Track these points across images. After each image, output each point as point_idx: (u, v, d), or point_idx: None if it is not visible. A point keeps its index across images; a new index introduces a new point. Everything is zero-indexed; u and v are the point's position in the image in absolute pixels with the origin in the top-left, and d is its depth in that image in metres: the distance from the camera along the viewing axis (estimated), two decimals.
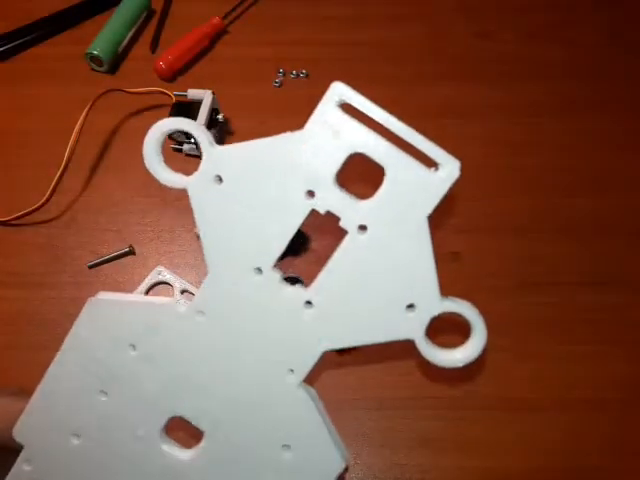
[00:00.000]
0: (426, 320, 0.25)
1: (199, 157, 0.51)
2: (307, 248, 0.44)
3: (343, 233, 0.25)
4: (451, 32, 0.56)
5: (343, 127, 0.24)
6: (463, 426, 0.40)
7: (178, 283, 0.42)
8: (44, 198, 0.44)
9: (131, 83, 0.49)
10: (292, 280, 0.39)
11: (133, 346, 0.27)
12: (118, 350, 0.27)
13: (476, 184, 0.46)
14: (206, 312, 0.26)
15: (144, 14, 0.56)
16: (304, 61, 0.53)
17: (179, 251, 0.44)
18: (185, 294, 0.42)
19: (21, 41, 0.54)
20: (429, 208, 0.24)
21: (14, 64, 0.53)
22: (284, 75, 0.53)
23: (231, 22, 0.56)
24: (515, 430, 0.39)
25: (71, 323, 0.40)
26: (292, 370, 0.27)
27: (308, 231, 0.44)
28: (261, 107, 0.51)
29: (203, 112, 0.45)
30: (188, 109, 0.47)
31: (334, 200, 0.24)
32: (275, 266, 0.26)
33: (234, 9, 0.56)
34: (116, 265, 0.43)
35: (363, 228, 0.25)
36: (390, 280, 0.25)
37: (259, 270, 0.26)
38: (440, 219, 0.45)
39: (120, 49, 0.53)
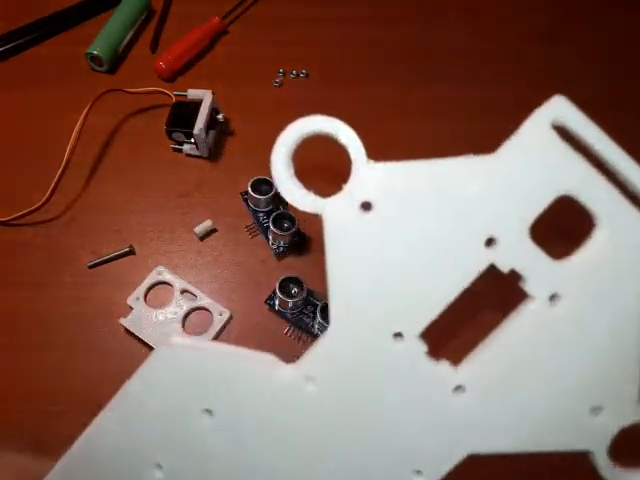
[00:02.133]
0: (614, 430, 0.19)
1: (200, 157, 0.51)
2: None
3: (515, 298, 0.19)
4: (451, 32, 0.56)
5: (558, 157, 0.17)
6: None
7: (178, 283, 0.42)
8: (44, 198, 0.44)
9: (131, 83, 0.49)
10: (291, 281, 0.40)
11: (210, 412, 0.20)
12: (189, 413, 0.20)
13: None
14: (318, 379, 0.19)
15: (144, 14, 0.56)
16: (304, 61, 0.53)
17: (179, 251, 0.44)
18: (185, 294, 0.42)
19: (21, 41, 0.54)
20: None
21: (14, 64, 0.53)
22: (284, 75, 0.53)
23: (231, 22, 0.56)
24: None
25: (71, 323, 0.41)
26: (420, 472, 0.20)
27: (307, 232, 0.44)
28: (261, 107, 0.51)
29: (203, 112, 0.45)
30: (188, 109, 0.47)
31: (524, 256, 0.18)
32: (421, 335, 0.19)
33: (234, 9, 0.56)
34: (116, 265, 0.43)
35: (554, 298, 0.19)
36: (578, 371, 0.19)
37: (399, 336, 0.19)
38: None
39: (120, 49, 0.53)
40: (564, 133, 0.17)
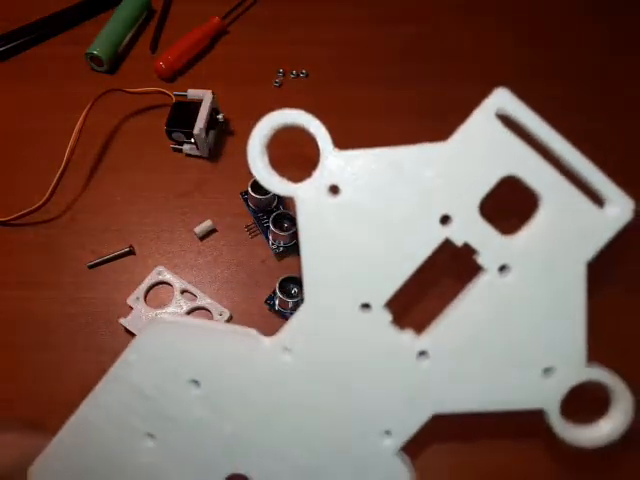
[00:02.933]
0: (565, 388, 0.21)
1: (200, 157, 0.51)
2: None
3: (471, 270, 0.21)
4: (451, 32, 0.56)
5: (502, 142, 0.19)
6: None
7: (178, 283, 0.42)
8: (44, 198, 0.44)
9: (131, 83, 0.49)
10: (291, 281, 0.40)
11: (196, 383, 0.22)
12: (177, 386, 0.22)
13: None
14: (294, 350, 0.21)
15: (144, 14, 0.56)
16: (304, 61, 0.53)
17: (179, 251, 0.44)
18: (185, 294, 0.42)
19: (21, 41, 0.54)
20: (590, 252, 0.20)
21: (14, 64, 0.53)
22: (284, 75, 0.53)
23: (231, 22, 0.56)
24: None
25: (71, 323, 0.41)
26: (389, 432, 0.22)
27: None
28: (261, 107, 0.50)
29: (203, 112, 0.45)
30: (188, 109, 0.47)
31: (475, 231, 0.20)
32: (386, 305, 0.21)
33: (234, 9, 0.56)
34: (116, 265, 0.43)
35: (505, 269, 0.20)
36: (529, 335, 0.21)
37: (367, 307, 0.21)
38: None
39: (120, 49, 0.53)
40: (509, 122, 0.19)
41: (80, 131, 0.45)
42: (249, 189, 0.43)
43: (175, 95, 0.48)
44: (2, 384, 0.39)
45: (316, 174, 0.20)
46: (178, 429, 0.22)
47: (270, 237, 0.43)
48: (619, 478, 0.36)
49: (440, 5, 0.57)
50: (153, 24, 0.56)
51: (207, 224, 0.44)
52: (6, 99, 0.51)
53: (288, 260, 0.44)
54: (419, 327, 0.21)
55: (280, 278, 0.39)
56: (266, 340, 0.22)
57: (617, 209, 0.19)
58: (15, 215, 0.43)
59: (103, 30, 0.52)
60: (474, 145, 0.20)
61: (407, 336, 0.21)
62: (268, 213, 0.43)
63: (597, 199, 0.20)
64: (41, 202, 0.44)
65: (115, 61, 0.53)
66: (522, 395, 0.21)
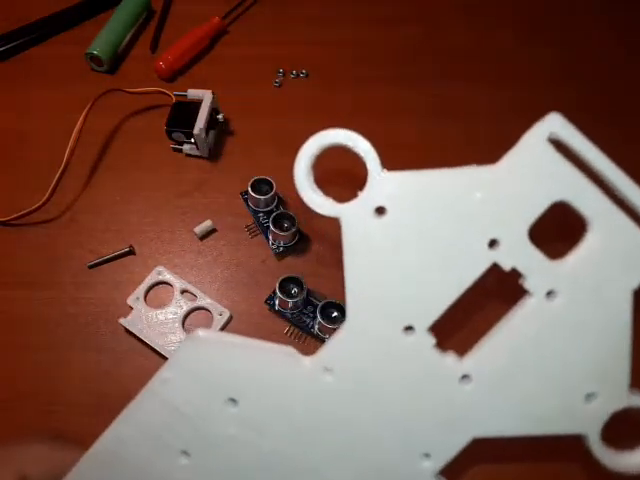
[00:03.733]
0: (606, 414, 0.21)
1: (200, 157, 0.51)
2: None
3: (516, 293, 0.20)
4: (451, 32, 0.56)
5: (553, 168, 0.19)
6: None
7: (178, 283, 0.42)
8: (44, 198, 0.44)
9: (131, 83, 0.49)
10: (292, 281, 0.40)
11: (234, 401, 0.21)
12: (213, 404, 0.21)
13: None
14: (335, 370, 0.21)
15: (144, 14, 0.56)
16: (304, 61, 0.53)
17: (179, 251, 0.44)
18: (185, 294, 0.42)
19: (21, 41, 0.54)
20: (638, 280, 0.20)
21: (14, 64, 0.53)
22: (284, 75, 0.53)
23: (231, 22, 0.56)
24: None
25: (71, 323, 0.41)
26: (428, 455, 0.21)
27: (307, 232, 0.44)
28: (261, 107, 0.51)
29: (203, 112, 0.45)
30: (188, 109, 0.47)
31: (523, 256, 0.20)
32: (430, 329, 0.21)
33: (234, 9, 0.56)
34: (116, 265, 0.43)
35: (551, 294, 0.20)
36: (573, 361, 0.21)
37: (410, 329, 0.21)
38: None
39: (120, 49, 0.53)
40: (559, 146, 0.19)
41: (80, 131, 0.45)
42: (249, 189, 0.43)
43: (175, 95, 0.48)
44: (2, 384, 0.39)
45: (363, 195, 0.20)
46: (214, 447, 0.22)
47: (270, 237, 0.43)
48: None
49: (441, 5, 0.57)
50: (153, 24, 0.56)
51: (207, 224, 0.44)
52: (6, 99, 0.51)
53: (288, 260, 0.44)
54: (462, 349, 0.21)
55: (280, 278, 0.39)
56: (306, 359, 0.21)
57: None
58: (15, 215, 0.43)
59: (103, 30, 0.52)
60: (525, 169, 0.19)
61: (450, 359, 0.21)
62: (268, 213, 0.43)
63: None
64: (41, 202, 0.44)
65: (115, 61, 0.53)
66: (563, 420, 0.21)
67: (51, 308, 0.41)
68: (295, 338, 0.41)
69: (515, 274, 0.20)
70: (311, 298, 0.40)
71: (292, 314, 0.40)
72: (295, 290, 0.40)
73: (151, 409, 0.22)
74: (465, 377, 0.21)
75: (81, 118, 0.44)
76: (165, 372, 0.21)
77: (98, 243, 0.44)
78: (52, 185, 0.44)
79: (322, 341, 0.40)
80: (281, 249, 0.43)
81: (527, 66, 0.53)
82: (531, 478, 0.36)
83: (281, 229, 0.42)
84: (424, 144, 0.48)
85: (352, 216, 0.20)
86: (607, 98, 0.51)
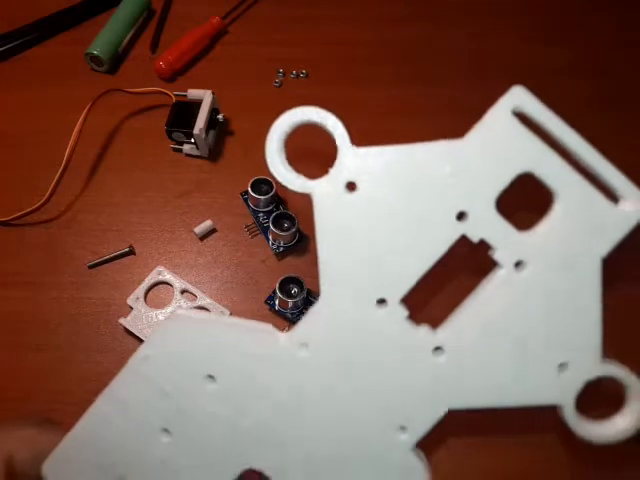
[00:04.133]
0: (580, 383, 0.21)
1: (199, 157, 0.51)
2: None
3: (486, 265, 0.21)
4: (451, 32, 0.56)
5: (518, 140, 0.20)
6: None
7: (178, 283, 0.42)
8: (44, 198, 0.44)
9: (131, 83, 0.49)
10: (292, 281, 0.40)
11: (212, 378, 0.22)
12: (193, 381, 0.22)
13: None
14: (310, 345, 0.21)
15: (144, 14, 0.56)
16: (304, 61, 0.53)
17: (179, 251, 0.44)
18: (185, 294, 0.42)
19: (21, 41, 0.54)
20: (605, 248, 0.20)
21: (14, 64, 0.53)
22: (284, 75, 0.53)
23: (231, 22, 0.56)
24: None
25: (71, 323, 0.41)
26: (404, 428, 0.22)
27: (307, 232, 0.44)
28: (261, 107, 0.51)
29: (203, 112, 0.45)
30: (188, 109, 0.47)
31: (491, 227, 0.20)
32: (402, 300, 0.21)
33: (234, 9, 0.56)
34: (116, 265, 0.43)
35: (520, 265, 0.21)
36: (544, 331, 0.21)
37: (383, 302, 0.21)
38: None
39: (120, 49, 0.53)
40: (524, 119, 0.20)
41: (80, 131, 0.45)
42: (249, 189, 0.43)
43: (175, 95, 0.48)
44: (2, 384, 0.39)
45: (333, 171, 0.20)
46: (194, 424, 0.22)
47: (270, 237, 0.43)
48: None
49: (441, 5, 0.57)
50: (153, 24, 0.56)
51: (207, 224, 0.44)
52: (6, 99, 0.51)
53: (288, 260, 0.44)
54: (434, 322, 0.22)
55: (280, 278, 0.39)
56: (282, 335, 0.21)
57: (632, 205, 0.20)
58: (15, 215, 0.43)
59: (103, 30, 0.52)
60: (491, 142, 0.20)
61: (423, 331, 0.21)
62: (268, 213, 0.43)
63: (612, 196, 0.20)
64: (41, 202, 0.44)
65: (115, 61, 0.53)
66: (537, 390, 0.21)
67: (51, 308, 0.41)
68: None
69: (485, 246, 0.21)
70: (311, 298, 0.40)
71: (292, 314, 0.40)
72: (295, 290, 0.40)
73: (132, 387, 0.22)
74: (438, 349, 0.21)
75: (81, 118, 0.44)
76: (145, 349, 0.22)
77: (98, 243, 0.44)
78: (52, 185, 0.44)
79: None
80: (281, 249, 0.43)
81: (527, 66, 0.53)
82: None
83: (281, 229, 0.42)
84: None
85: (323, 192, 0.21)
86: (607, 94, 0.51)
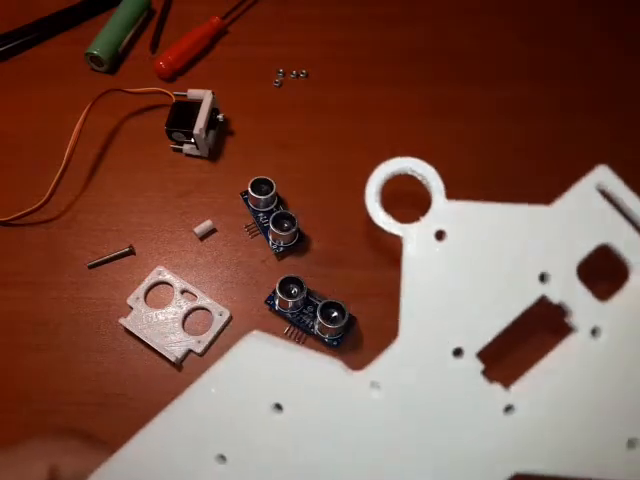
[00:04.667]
0: None
1: (199, 157, 0.51)
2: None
3: (562, 328, 0.21)
4: (451, 32, 0.56)
5: (600, 213, 0.21)
6: None
7: (178, 283, 0.42)
8: (44, 198, 0.44)
9: (131, 83, 0.49)
10: (292, 281, 0.40)
11: (279, 407, 0.21)
12: (260, 408, 0.21)
13: (474, 184, 0.46)
14: (383, 387, 0.21)
15: (144, 14, 0.56)
16: (304, 61, 0.53)
17: (179, 251, 0.44)
18: (185, 294, 0.42)
19: (21, 41, 0.54)
20: None
21: (14, 64, 0.53)
22: (284, 75, 0.53)
23: (231, 22, 0.56)
24: None
25: (71, 323, 0.41)
26: None
27: (307, 232, 0.44)
28: (261, 107, 0.51)
29: (203, 112, 0.45)
30: (188, 109, 0.47)
31: (571, 291, 0.21)
32: (478, 355, 0.21)
33: (234, 9, 0.56)
34: (116, 265, 0.43)
35: (596, 332, 0.21)
36: (615, 403, 0.21)
37: (460, 353, 0.21)
38: None
39: (120, 49, 0.53)
40: (606, 194, 0.22)
41: (80, 131, 0.45)
42: (249, 189, 0.43)
43: (175, 95, 0.48)
44: (2, 384, 0.39)
45: (426, 218, 0.21)
46: (252, 454, 0.21)
47: (270, 237, 0.43)
48: None
49: (441, 5, 0.57)
50: (153, 24, 0.56)
51: (207, 224, 0.44)
52: (6, 99, 0.51)
53: (288, 260, 0.44)
54: (507, 380, 0.22)
55: (280, 278, 0.39)
56: (354, 373, 0.21)
57: None
58: (15, 215, 0.43)
59: (103, 30, 0.52)
60: (575, 213, 0.21)
61: (496, 387, 0.21)
62: (268, 213, 0.43)
63: None
64: (41, 202, 0.44)
65: (115, 61, 0.53)
66: (605, 464, 0.21)
67: (51, 308, 0.41)
68: (295, 338, 0.41)
69: (561, 312, 0.22)
70: (311, 298, 0.40)
71: (292, 314, 0.40)
72: (295, 290, 0.40)
73: (196, 407, 0.22)
74: (509, 408, 0.21)
75: (81, 118, 0.44)
76: (218, 369, 0.21)
77: (98, 243, 0.44)
78: (52, 185, 0.44)
79: (322, 341, 0.40)
80: (281, 249, 0.43)
81: (528, 66, 0.53)
82: None
83: (281, 229, 0.42)
84: (424, 144, 0.48)
85: (414, 236, 0.21)
86: (607, 96, 0.51)
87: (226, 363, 0.21)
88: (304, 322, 0.40)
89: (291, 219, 0.42)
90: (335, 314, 0.39)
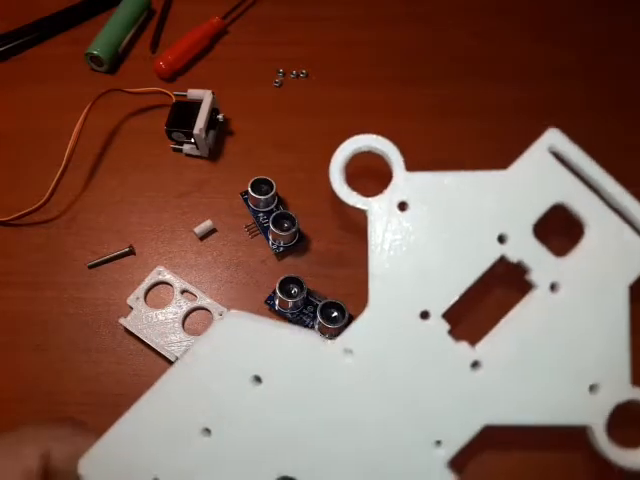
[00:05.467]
0: (610, 405, 0.22)
1: (200, 157, 0.51)
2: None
3: (523, 285, 0.22)
4: (451, 32, 0.56)
5: (553, 174, 0.22)
6: None
7: (178, 283, 0.42)
8: (44, 198, 0.44)
9: (131, 83, 0.49)
10: (292, 281, 0.40)
11: (259, 379, 0.22)
12: (241, 380, 0.22)
13: None
14: (355, 352, 0.22)
15: (144, 14, 0.56)
16: (304, 61, 0.53)
17: (179, 251, 0.44)
18: (185, 294, 0.42)
19: (21, 41, 0.54)
20: (632, 277, 0.22)
21: (14, 64, 0.53)
22: (284, 75, 0.53)
23: (231, 22, 0.56)
24: None
25: (70, 323, 0.41)
26: (440, 442, 0.22)
27: (307, 232, 0.44)
28: (261, 107, 0.51)
29: (203, 112, 0.45)
30: (188, 109, 0.47)
31: (528, 250, 0.22)
32: (444, 315, 0.23)
33: (234, 9, 0.56)
34: (116, 265, 0.43)
35: (555, 287, 0.22)
36: (576, 352, 0.22)
37: (426, 315, 0.22)
38: None
39: (120, 49, 0.53)
40: (559, 155, 0.22)
41: (80, 131, 0.45)
42: (249, 189, 0.43)
43: (175, 95, 0.48)
44: (2, 384, 0.39)
45: (388, 191, 0.23)
46: (235, 426, 0.22)
47: (270, 237, 0.43)
48: None
49: (441, 5, 0.57)
50: (153, 24, 0.56)
51: (207, 224, 0.44)
52: (6, 99, 0.51)
53: (288, 260, 0.44)
54: (473, 338, 0.23)
55: (280, 278, 0.39)
56: (328, 341, 0.23)
57: None
58: (15, 215, 0.43)
59: (103, 30, 0.52)
60: (529, 175, 0.22)
61: (462, 346, 0.22)
62: (268, 213, 0.43)
63: (638, 229, 0.22)
64: (41, 202, 0.44)
65: (115, 61, 0.53)
66: (570, 410, 0.22)
67: (51, 308, 0.41)
68: None
69: (521, 269, 0.23)
70: (311, 298, 0.40)
71: (292, 314, 0.40)
72: (295, 290, 0.40)
73: (179, 385, 0.23)
74: (476, 364, 0.22)
75: (81, 118, 0.44)
76: (198, 347, 0.23)
77: (98, 243, 0.44)
78: (52, 185, 0.44)
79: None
80: (281, 249, 0.43)
81: (528, 65, 0.53)
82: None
83: (281, 229, 0.42)
84: (423, 144, 0.48)
85: (378, 209, 0.23)
86: (607, 95, 0.51)
87: (206, 341, 0.23)
88: (304, 322, 0.40)
89: (291, 219, 0.42)
90: (335, 314, 0.39)
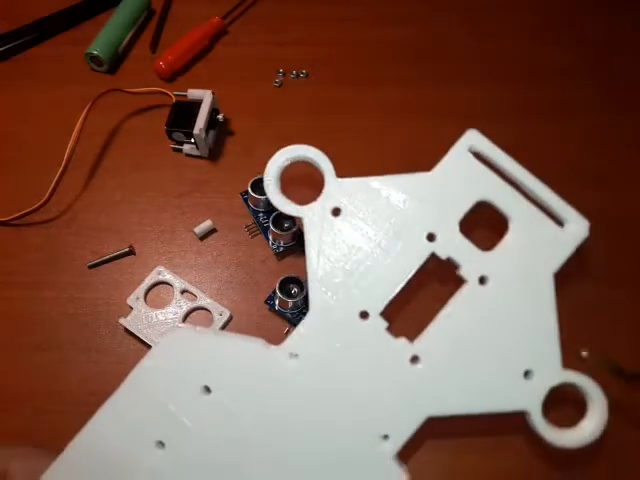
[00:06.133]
0: (544, 389, 0.23)
1: (200, 157, 0.51)
2: None
3: (456, 282, 0.23)
4: (451, 32, 0.56)
5: (474, 173, 0.23)
6: None
7: (178, 283, 0.42)
8: (44, 198, 0.44)
9: (131, 83, 0.49)
10: (292, 281, 0.40)
11: (207, 389, 0.23)
12: (190, 392, 0.23)
13: None
14: (300, 356, 0.23)
15: (144, 14, 0.56)
16: (304, 61, 0.53)
17: (179, 251, 0.44)
18: (185, 294, 0.42)
19: (21, 41, 0.54)
20: (556, 265, 0.23)
21: (14, 64, 0.53)
22: (284, 75, 0.53)
23: (231, 22, 0.56)
24: None
25: (70, 323, 0.41)
26: (387, 436, 0.23)
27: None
28: (261, 107, 0.51)
29: (203, 112, 0.45)
30: (188, 109, 0.47)
31: (456, 247, 0.23)
32: (382, 313, 0.23)
33: (234, 9, 0.56)
34: (116, 265, 0.43)
35: (483, 280, 0.23)
36: (508, 341, 0.23)
37: (365, 315, 0.23)
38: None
39: (120, 49, 0.53)
40: (480, 155, 0.23)
41: (80, 131, 0.45)
42: (249, 189, 0.43)
43: (175, 95, 0.48)
44: (2, 384, 0.39)
45: (321, 198, 0.24)
46: (187, 436, 0.23)
47: (270, 237, 0.43)
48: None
49: (440, 5, 0.57)
50: (153, 24, 0.56)
51: (207, 224, 0.44)
52: (6, 99, 0.51)
53: (288, 260, 0.44)
54: (411, 334, 0.23)
55: (280, 278, 0.39)
56: (273, 347, 0.23)
57: (575, 227, 0.23)
58: (15, 215, 0.43)
59: (103, 30, 0.52)
60: (452, 176, 0.23)
61: (401, 342, 0.23)
62: (268, 213, 0.43)
63: (558, 221, 0.23)
64: (41, 202, 0.44)
65: (115, 61, 0.53)
66: (507, 397, 0.23)
67: (51, 308, 0.41)
68: None
69: (452, 265, 0.24)
70: None
71: (292, 314, 0.40)
72: (295, 290, 0.40)
73: (131, 399, 0.23)
74: (415, 358, 0.23)
75: (81, 118, 0.44)
76: (146, 363, 0.23)
77: (98, 243, 0.44)
78: (52, 185, 0.45)
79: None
80: (281, 249, 0.43)
81: (528, 65, 0.53)
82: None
83: (281, 229, 0.42)
84: (422, 144, 0.48)
85: (313, 216, 0.24)
86: (606, 97, 0.51)
87: (153, 356, 0.23)
88: None
89: (291, 219, 0.42)
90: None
